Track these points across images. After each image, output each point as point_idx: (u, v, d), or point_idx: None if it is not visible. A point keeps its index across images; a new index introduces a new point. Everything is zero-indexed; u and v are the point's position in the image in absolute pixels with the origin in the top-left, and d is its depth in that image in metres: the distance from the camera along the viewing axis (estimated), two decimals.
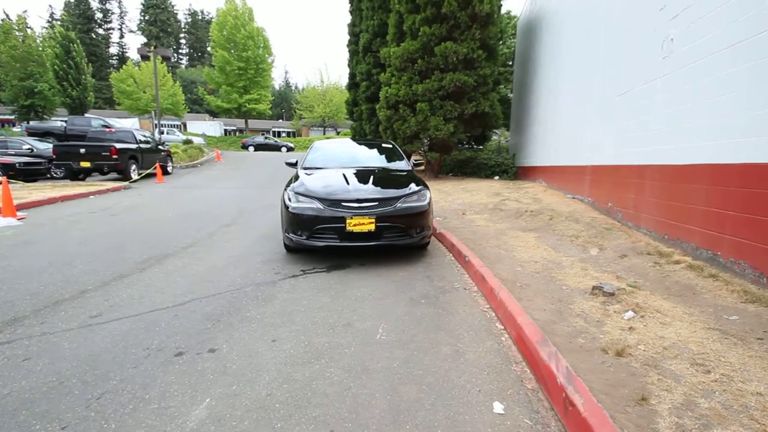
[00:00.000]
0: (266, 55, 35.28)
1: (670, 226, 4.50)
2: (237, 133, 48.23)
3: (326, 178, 4.87)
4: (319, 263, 4.48)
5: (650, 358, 2.34)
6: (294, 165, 5.76)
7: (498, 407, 1.99)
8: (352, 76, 19.43)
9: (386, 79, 13.23)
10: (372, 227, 4.22)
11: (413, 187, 4.68)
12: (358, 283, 3.85)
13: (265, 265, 4.43)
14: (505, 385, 2.19)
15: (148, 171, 13.63)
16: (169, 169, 15.69)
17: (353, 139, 7.79)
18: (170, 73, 37.97)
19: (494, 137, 18.37)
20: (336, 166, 5.47)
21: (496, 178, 12.90)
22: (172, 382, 2.21)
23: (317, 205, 4.30)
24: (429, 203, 4.64)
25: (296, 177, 5.04)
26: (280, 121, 59.30)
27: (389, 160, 5.86)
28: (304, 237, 4.31)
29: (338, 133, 45.76)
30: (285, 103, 63.57)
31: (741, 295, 3.07)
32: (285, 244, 4.75)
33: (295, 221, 4.36)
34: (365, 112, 16.35)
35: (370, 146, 6.49)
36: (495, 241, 5.30)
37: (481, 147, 16.34)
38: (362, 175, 4.96)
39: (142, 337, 2.73)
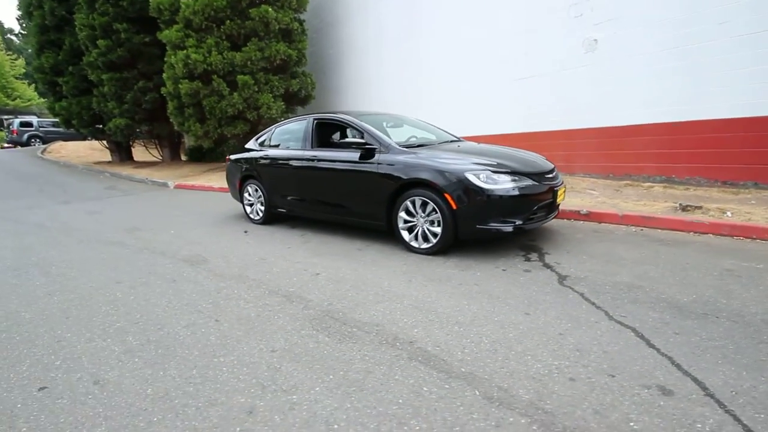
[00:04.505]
0: None
1: (613, 168, 6.69)
2: None
3: (469, 150, 3.98)
4: (489, 258, 3.74)
5: None
6: (362, 146, 4.10)
7: None
8: (43, 28, 12.56)
9: (177, 40, 10.04)
10: (563, 195, 4.00)
11: None
12: (602, 253, 3.69)
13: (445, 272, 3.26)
14: None
15: None
16: None
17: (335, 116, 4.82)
18: None
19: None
20: (423, 140, 4.44)
21: None
22: None
23: (528, 181, 3.58)
24: None
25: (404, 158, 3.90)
26: None
27: (429, 130, 5.17)
28: (520, 221, 3.54)
29: None
30: None
31: (725, 193, 5.39)
32: (459, 238, 3.65)
33: (506, 205, 3.50)
34: (110, 84, 11.32)
35: (381, 118, 5.24)
36: None
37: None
38: (480, 147, 4.37)
39: None
